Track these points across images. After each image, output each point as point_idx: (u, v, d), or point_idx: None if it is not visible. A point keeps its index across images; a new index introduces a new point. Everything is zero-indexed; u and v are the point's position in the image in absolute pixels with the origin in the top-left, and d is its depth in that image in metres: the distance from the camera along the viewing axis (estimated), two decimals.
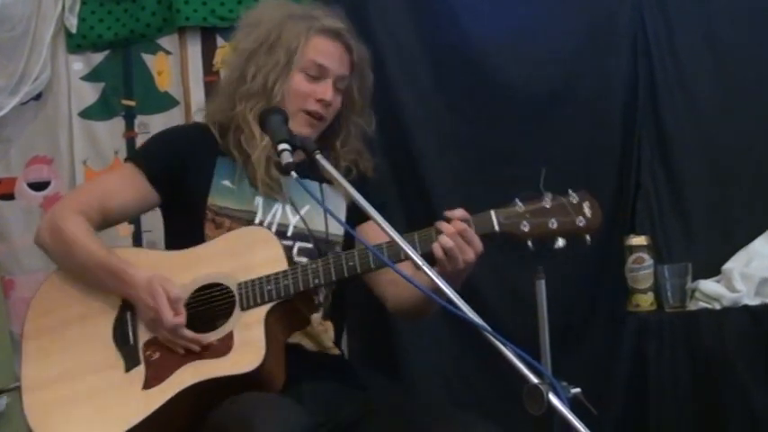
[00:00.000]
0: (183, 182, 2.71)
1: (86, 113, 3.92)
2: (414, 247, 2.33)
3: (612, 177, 3.59)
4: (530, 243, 2.39)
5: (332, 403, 2.55)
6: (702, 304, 3.28)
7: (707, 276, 3.36)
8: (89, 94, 3.92)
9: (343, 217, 2.74)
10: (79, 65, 3.94)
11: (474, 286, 3.13)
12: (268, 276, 2.46)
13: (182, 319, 2.45)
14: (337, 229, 2.73)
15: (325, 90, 2.73)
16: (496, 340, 1.95)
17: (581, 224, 2.40)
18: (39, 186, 3.93)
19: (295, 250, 2.69)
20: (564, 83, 3.63)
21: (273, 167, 2.67)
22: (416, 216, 3.38)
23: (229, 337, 2.44)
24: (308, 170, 2.48)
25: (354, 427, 2.49)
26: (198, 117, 2.98)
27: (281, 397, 2.40)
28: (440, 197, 3.51)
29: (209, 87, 3.81)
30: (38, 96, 3.89)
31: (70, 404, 2.49)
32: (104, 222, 2.73)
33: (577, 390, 1.92)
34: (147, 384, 2.45)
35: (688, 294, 3.31)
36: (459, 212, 2.42)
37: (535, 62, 3.60)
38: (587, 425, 1.83)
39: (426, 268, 2.12)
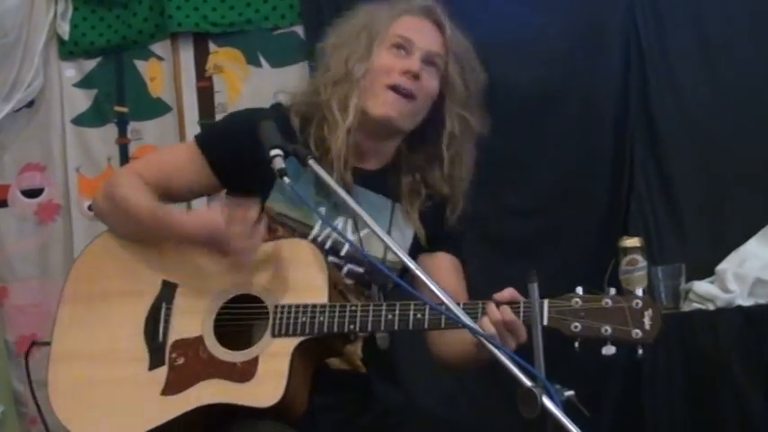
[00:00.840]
0: (247, 177, 2.56)
1: (79, 120, 3.92)
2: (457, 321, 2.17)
3: (605, 179, 3.60)
4: (576, 344, 2.19)
5: (344, 416, 2.53)
6: (696, 305, 3.28)
7: (700, 277, 3.36)
8: (82, 100, 3.93)
9: (408, 243, 2.61)
10: (71, 72, 3.94)
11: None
12: (305, 306, 2.37)
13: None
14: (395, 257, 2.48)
15: (411, 62, 2.55)
16: (490, 344, 1.96)
17: (636, 336, 2.17)
18: (32, 193, 3.94)
19: (345, 270, 2.57)
20: (557, 85, 3.64)
21: (349, 170, 2.53)
22: None
23: (254, 362, 2.37)
24: (381, 183, 2.37)
25: None
26: (282, 98, 2.75)
27: None
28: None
29: (202, 93, 3.82)
30: (30, 104, 3.90)
31: (88, 389, 2.45)
32: (164, 194, 2.60)
33: (571, 392, 1.92)
34: (167, 390, 2.41)
35: (682, 295, 3.31)
36: (509, 293, 2.26)
37: (528, 64, 3.61)
38: (582, 428, 1.83)
39: (413, 266, 2.11)
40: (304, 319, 2.36)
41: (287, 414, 2.36)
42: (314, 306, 2.37)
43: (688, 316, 3.26)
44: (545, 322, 2.19)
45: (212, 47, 3.85)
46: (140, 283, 2.52)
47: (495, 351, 1.94)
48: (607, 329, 2.18)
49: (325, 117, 2.59)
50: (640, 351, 2.19)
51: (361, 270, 2.58)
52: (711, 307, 3.25)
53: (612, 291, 2.21)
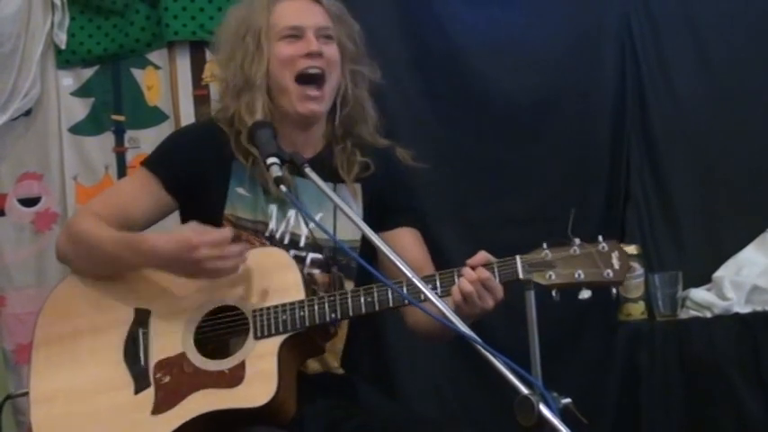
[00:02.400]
0: (200, 189, 2.64)
1: (76, 129, 3.91)
2: (434, 288, 2.31)
3: (602, 187, 3.61)
4: (554, 293, 2.30)
5: (331, 421, 2.53)
6: (693, 312, 3.29)
7: (697, 285, 3.37)
8: (79, 109, 3.92)
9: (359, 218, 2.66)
10: (69, 80, 3.93)
11: None
12: (284, 305, 2.41)
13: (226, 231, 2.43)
14: (352, 235, 2.62)
15: (309, 43, 2.62)
16: (487, 352, 1.96)
17: (608, 276, 2.29)
18: (29, 202, 3.92)
19: (308, 261, 2.63)
20: (552, 92, 3.64)
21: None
22: None
23: (241, 366, 2.40)
24: (320, 169, 2.39)
25: None
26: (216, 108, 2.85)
27: None
28: (428, 207, 3.50)
29: (199, 101, 3.82)
30: (28, 112, 3.89)
31: (78, 423, 2.46)
32: (124, 227, 2.64)
33: (568, 400, 1.92)
34: (157, 409, 2.41)
35: (679, 303, 3.32)
36: (482, 256, 2.36)
37: (523, 72, 3.62)
38: None
39: (402, 265, 2.11)
40: (284, 316, 2.41)
41: (279, 413, 2.38)
42: (292, 303, 2.41)
43: (685, 323, 3.27)
44: (521, 276, 2.30)
45: (209, 56, 3.84)
46: (112, 315, 2.54)
47: (492, 358, 1.94)
48: (580, 274, 2.29)
49: (240, 130, 2.62)
50: (614, 291, 2.31)
51: (321, 256, 2.63)
52: (708, 314, 3.26)
53: (577, 240, 2.31)
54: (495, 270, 2.33)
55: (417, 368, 3.55)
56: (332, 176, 2.66)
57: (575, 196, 3.61)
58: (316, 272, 2.62)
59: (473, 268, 2.32)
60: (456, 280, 2.33)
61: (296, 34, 2.64)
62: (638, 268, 3.32)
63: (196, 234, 2.41)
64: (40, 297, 3.86)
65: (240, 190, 2.64)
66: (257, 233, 2.62)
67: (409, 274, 2.11)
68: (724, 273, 3.35)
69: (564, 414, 1.88)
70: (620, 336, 3.35)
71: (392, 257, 2.14)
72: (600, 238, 2.33)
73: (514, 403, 1.88)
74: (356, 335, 2.69)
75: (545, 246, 2.34)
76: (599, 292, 2.31)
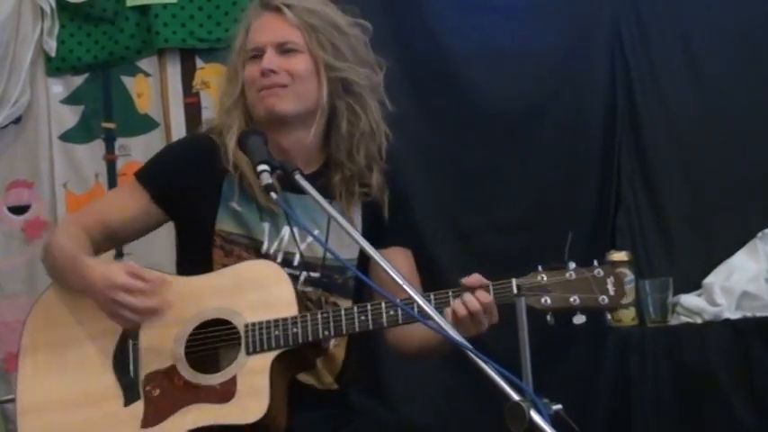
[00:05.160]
0: (190, 203, 2.62)
1: (66, 137, 3.91)
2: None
3: (593, 193, 3.61)
4: (549, 317, 2.31)
5: (322, 430, 2.53)
6: (684, 318, 3.29)
7: (688, 291, 3.37)
8: (69, 117, 3.91)
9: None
10: (59, 88, 3.93)
11: None
12: (276, 321, 2.40)
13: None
14: (347, 253, 2.55)
15: (263, 62, 2.58)
16: (478, 359, 1.96)
17: (603, 303, 2.31)
18: (19, 210, 3.92)
19: (301, 279, 2.60)
20: (543, 100, 3.65)
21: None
22: None
23: (233, 382, 2.38)
24: (314, 186, 2.36)
25: None
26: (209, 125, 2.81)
27: None
28: (420, 216, 3.49)
29: (189, 109, 3.82)
30: (17, 120, 3.88)
31: None
32: (109, 239, 2.65)
33: (559, 406, 1.91)
34: (146, 423, 2.40)
35: (669, 309, 3.32)
36: (476, 278, 2.36)
37: (513, 79, 3.62)
38: None
39: (400, 279, 2.12)
40: (277, 332, 2.39)
41: (270, 428, 2.38)
42: (284, 319, 2.40)
43: (676, 329, 3.27)
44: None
45: (199, 63, 3.84)
46: (102, 324, 2.50)
47: (483, 365, 1.94)
48: (575, 299, 2.31)
49: (226, 144, 2.60)
50: (609, 317, 2.34)
51: (317, 275, 2.60)
52: (699, 320, 3.27)
53: (573, 264, 2.33)
54: (491, 293, 2.34)
55: (410, 378, 3.55)
56: (326, 194, 2.56)
57: (565, 203, 3.62)
58: (309, 289, 2.60)
59: (471, 291, 2.33)
60: (451, 300, 2.33)
61: (257, 54, 2.61)
62: (629, 274, 3.32)
63: (123, 274, 2.39)
64: (30, 305, 3.88)
65: (233, 205, 2.60)
66: (248, 249, 2.59)
67: (404, 285, 2.11)
68: (714, 279, 3.36)
69: (555, 420, 1.88)
70: (610, 342, 3.35)
71: (386, 267, 2.13)
72: (595, 262, 2.34)
73: (505, 409, 1.88)
74: (354, 354, 2.67)
75: (540, 269, 2.35)
76: (593, 316, 2.33)
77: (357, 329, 2.39)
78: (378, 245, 2.56)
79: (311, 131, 2.64)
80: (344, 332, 2.41)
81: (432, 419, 3.53)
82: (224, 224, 2.60)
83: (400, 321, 2.35)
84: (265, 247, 2.60)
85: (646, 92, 3.60)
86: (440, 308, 2.32)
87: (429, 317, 2.07)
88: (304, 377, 2.56)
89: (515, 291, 2.33)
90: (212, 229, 2.59)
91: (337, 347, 2.62)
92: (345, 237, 2.34)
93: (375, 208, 2.68)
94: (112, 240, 2.70)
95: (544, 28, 3.64)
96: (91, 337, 2.52)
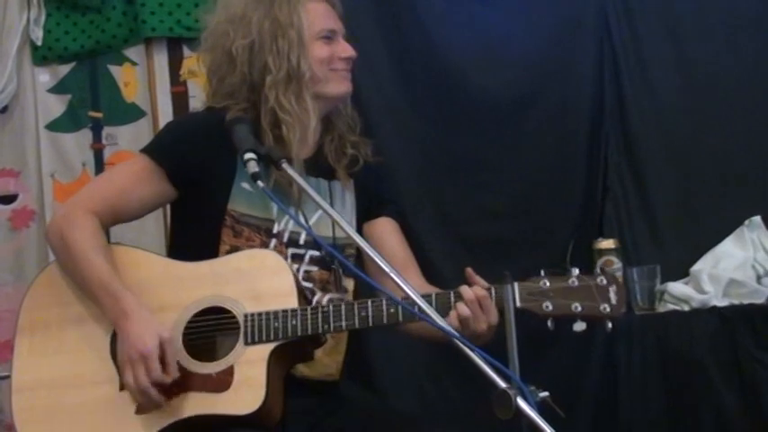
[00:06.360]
0: (204, 182, 2.60)
1: (53, 126, 3.90)
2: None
3: (580, 181, 3.61)
4: (549, 323, 2.33)
5: (313, 419, 2.54)
6: (671, 306, 3.29)
7: (675, 278, 3.38)
8: (56, 106, 3.91)
9: (352, 215, 2.71)
10: (45, 77, 3.92)
11: None
12: (276, 312, 2.39)
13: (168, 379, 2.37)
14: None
15: (345, 47, 2.72)
16: (465, 346, 1.96)
17: (605, 311, 2.32)
18: (6, 200, 3.91)
19: (306, 258, 2.62)
20: (531, 88, 3.65)
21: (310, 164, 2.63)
22: None
23: (230, 371, 2.38)
24: (314, 166, 2.43)
25: None
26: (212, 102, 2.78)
27: None
28: (409, 204, 3.51)
29: (177, 98, 3.81)
30: (4, 109, 3.88)
31: (60, 415, 2.44)
32: (116, 220, 2.64)
33: (545, 394, 1.92)
34: (141, 409, 2.39)
35: (657, 296, 3.32)
36: (477, 280, 2.39)
37: (502, 68, 3.62)
38: (557, 428, 1.83)
39: (394, 275, 2.13)
40: (276, 324, 2.38)
41: (265, 420, 2.37)
42: (284, 311, 2.39)
43: (663, 317, 3.27)
44: (518, 304, 2.30)
45: (186, 52, 3.84)
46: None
47: (470, 352, 1.94)
48: (577, 307, 2.31)
49: (277, 118, 2.61)
50: (609, 325, 2.33)
51: (319, 254, 2.63)
52: (686, 308, 3.27)
53: (576, 270, 2.33)
54: (492, 294, 2.35)
55: (396, 365, 3.55)
56: (327, 174, 2.69)
57: (553, 191, 3.62)
58: (314, 269, 2.61)
59: (470, 285, 2.36)
60: (452, 300, 2.36)
61: (330, 36, 2.70)
62: (617, 262, 3.33)
63: (156, 348, 2.35)
64: (19, 295, 3.84)
65: (245, 185, 2.59)
66: (260, 230, 2.59)
67: (396, 278, 2.13)
68: (702, 266, 3.36)
69: (542, 408, 1.89)
70: (598, 329, 3.35)
71: (373, 256, 2.17)
72: (598, 270, 2.35)
73: (492, 397, 1.88)
74: (355, 346, 2.70)
75: (543, 274, 2.35)
76: (593, 324, 2.34)
77: (357, 326, 2.39)
78: (368, 216, 2.70)
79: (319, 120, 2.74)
80: (344, 328, 2.41)
81: (418, 406, 3.53)
82: (236, 204, 2.59)
83: (400, 320, 2.34)
84: (276, 228, 2.61)
85: (633, 81, 3.60)
86: (443, 309, 2.34)
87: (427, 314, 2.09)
88: (301, 370, 2.56)
89: (517, 294, 2.32)
90: (224, 209, 2.58)
91: (339, 342, 2.63)
92: (345, 209, 2.55)
93: (363, 176, 2.76)
94: (118, 221, 2.67)
95: (532, 17, 3.64)
96: (89, 319, 2.50)
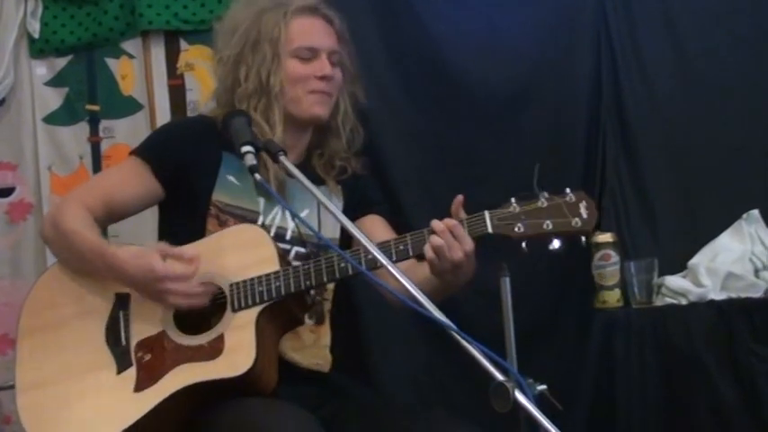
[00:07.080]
0: (189, 176, 2.69)
1: (50, 119, 3.90)
2: (406, 248, 2.40)
3: (578, 175, 3.60)
4: (524, 245, 2.35)
5: (307, 406, 2.53)
6: (669, 300, 3.29)
7: (673, 272, 3.37)
8: (53, 99, 3.91)
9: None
10: (42, 70, 3.92)
11: None
12: (260, 277, 2.46)
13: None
14: (333, 232, 2.72)
15: (323, 66, 2.73)
16: (462, 339, 1.96)
17: (577, 225, 2.34)
18: (3, 193, 3.91)
19: (292, 254, 2.69)
20: (528, 82, 3.64)
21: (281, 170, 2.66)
22: None
23: (220, 339, 2.44)
24: (304, 171, 2.46)
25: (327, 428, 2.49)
26: (205, 111, 2.98)
27: (289, 404, 2.41)
28: (404, 197, 3.51)
29: (174, 91, 3.81)
30: (1, 102, 3.87)
31: (63, 405, 2.50)
32: (110, 218, 2.73)
33: (543, 387, 1.93)
34: (139, 387, 2.46)
35: (654, 290, 3.32)
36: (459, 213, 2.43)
37: (498, 61, 3.61)
38: (555, 421, 1.84)
39: (392, 268, 2.14)
40: (261, 288, 2.45)
41: (259, 382, 2.42)
42: (267, 275, 2.46)
43: (661, 310, 3.27)
44: (490, 230, 2.37)
45: (184, 45, 3.83)
46: (94, 301, 2.58)
47: (468, 346, 1.95)
48: (548, 224, 2.35)
49: None
50: (584, 239, 2.37)
51: (305, 250, 2.70)
52: (684, 301, 3.27)
53: (545, 193, 2.38)
54: (465, 225, 2.39)
55: (391, 355, 3.55)
56: (315, 180, 2.71)
57: (550, 185, 3.61)
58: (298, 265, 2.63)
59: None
60: (426, 236, 2.40)
61: (310, 56, 2.73)
62: (614, 256, 3.33)
63: (161, 263, 2.44)
64: (16, 288, 3.88)
65: (230, 177, 2.69)
66: (245, 221, 2.66)
67: (392, 269, 2.18)
68: (699, 260, 3.36)
69: (539, 401, 1.89)
70: (595, 323, 3.36)
71: (362, 239, 2.25)
72: (567, 189, 2.36)
73: (490, 390, 1.88)
74: (339, 325, 2.75)
75: (513, 200, 2.39)
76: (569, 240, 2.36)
77: (338, 276, 2.45)
78: (357, 215, 2.76)
79: (311, 132, 2.85)
80: (325, 279, 2.46)
81: (414, 399, 3.53)
82: (221, 195, 2.67)
83: (378, 265, 2.33)
84: (260, 220, 2.69)
85: (630, 73, 3.60)
86: (417, 245, 2.40)
87: (415, 299, 2.10)
88: (291, 355, 2.62)
89: (488, 221, 2.38)
90: (209, 199, 2.66)
91: (321, 336, 2.68)
92: (330, 217, 2.53)
93: (353, 183, 2.85)
94: (111, 219, 2.76)
95: (529, 11, 3.63)
96: (84, 316, 2.58)
